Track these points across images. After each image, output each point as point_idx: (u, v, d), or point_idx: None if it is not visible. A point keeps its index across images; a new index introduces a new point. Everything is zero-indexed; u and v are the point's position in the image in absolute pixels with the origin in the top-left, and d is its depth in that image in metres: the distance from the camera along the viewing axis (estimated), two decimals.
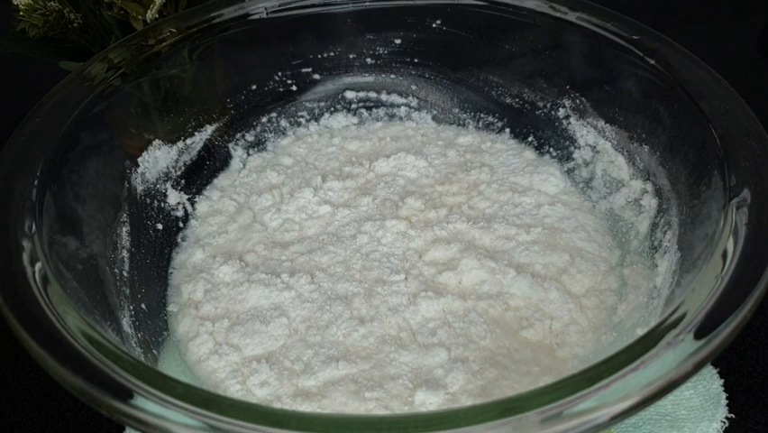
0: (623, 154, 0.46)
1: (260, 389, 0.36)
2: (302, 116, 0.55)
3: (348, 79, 0.55)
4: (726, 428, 0.38)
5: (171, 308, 0.42)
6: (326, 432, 0.23)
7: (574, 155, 0.50)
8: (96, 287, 0.36)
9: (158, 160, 0.46)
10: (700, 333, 0.25)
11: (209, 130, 0.50)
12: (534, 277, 0.41)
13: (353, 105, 0.56)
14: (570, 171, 0.50)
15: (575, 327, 0.38)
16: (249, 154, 0.53)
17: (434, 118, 0.56)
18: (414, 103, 0.56)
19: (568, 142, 0.50)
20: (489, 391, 0.35)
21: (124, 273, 0.40)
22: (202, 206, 0.49)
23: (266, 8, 0.49)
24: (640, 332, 0.35)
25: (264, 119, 0.54)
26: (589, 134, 0.48)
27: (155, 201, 0.46)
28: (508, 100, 0.53)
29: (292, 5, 0.50)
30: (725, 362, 0.42)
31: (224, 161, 0.52)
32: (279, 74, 0.53)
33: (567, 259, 0.42)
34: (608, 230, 0.45)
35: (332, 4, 0.51)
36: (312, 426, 0.23)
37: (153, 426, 0.23)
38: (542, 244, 0.43)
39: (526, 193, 0.47)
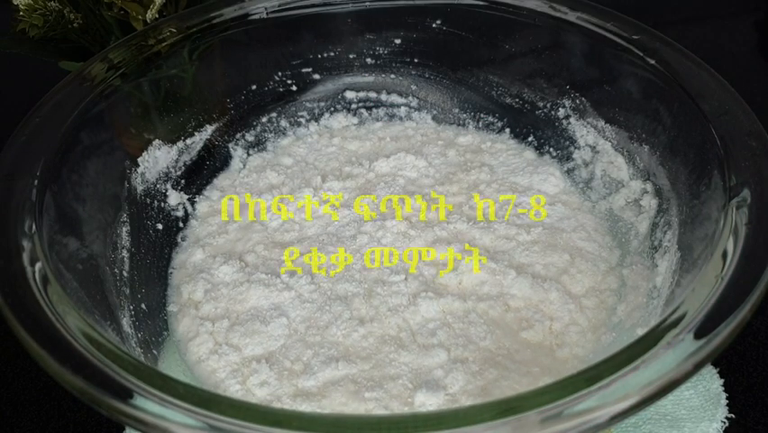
0: (623, 154, 0.46)
1: (260, 389, 0.36)
2: (302, 116, 0.55)
3: (348, 79, 0.55)
4: (726, 428, 0.38)
5: (171, 308, 0.42)
6: (326, 432, 0.23)
7: (574, 155, 0.50)
8: (96, 287, 0.36)
9: (158, 160, 0.46)
10: (700, 333, 0.25)
11: (209, 130, 0.50)
12: (534, 278, 0.41)
13: (353, 105, 0.56)
14: (570, 171, 0.50)
15: (575, 328, 0.38)
16: (249, 154, 0.53)
17: (434, 118, 0.56)
18: (414, 103, 0.56)
19: (568, 143, 0.50)
20: (488, 391, 0.35)
21: (124, 273, 0.40)
22: (202, 206, 0.49)
23: (266, 8, 0.49)
24: (640, 332, 0.35)
25: (264, 119, 0.54)
26: (589, 134, 0.48)
27: (155, 201, 0.46)
28: (508, 100, 0.53)
29: (292, 5, 0.50)
30: (725, 362, 0.42)
31: (224, 161, 0.52)
32: (279, 74, 0.53)
33: (567, 259, 0.42)
34: (608, 230, 0.45)
35: (332, 4, 0.51)
36: (312, 426, 0.23)
37: (153, 426, 0.23)
38: (542, 244, 0.43)
39: (526, 193, 0.47)
